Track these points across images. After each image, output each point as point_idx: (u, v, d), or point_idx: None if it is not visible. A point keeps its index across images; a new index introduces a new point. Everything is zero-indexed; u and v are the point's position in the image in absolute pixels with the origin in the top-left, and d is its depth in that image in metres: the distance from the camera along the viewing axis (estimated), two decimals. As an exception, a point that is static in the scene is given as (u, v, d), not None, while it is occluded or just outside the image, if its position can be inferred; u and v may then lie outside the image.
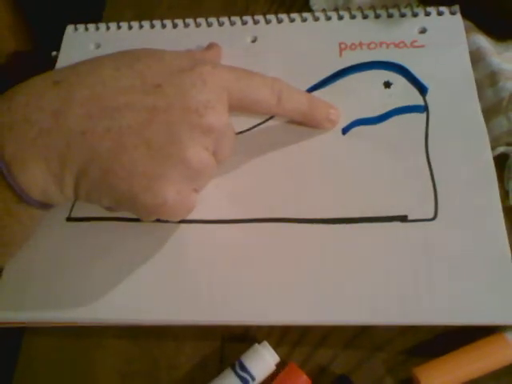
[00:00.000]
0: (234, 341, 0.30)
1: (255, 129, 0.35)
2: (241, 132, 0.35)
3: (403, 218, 0.30)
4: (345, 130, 0.34)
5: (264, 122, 0.35)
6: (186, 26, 0.40)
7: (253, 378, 0.28)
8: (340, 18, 0.38)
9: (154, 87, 0.26)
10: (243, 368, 0.28)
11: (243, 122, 0.35)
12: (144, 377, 0.30)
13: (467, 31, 0.36)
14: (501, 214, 0.30)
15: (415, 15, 0.37)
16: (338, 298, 0.29)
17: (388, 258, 0.30)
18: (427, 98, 0.34)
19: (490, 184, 0.31)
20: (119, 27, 0.41)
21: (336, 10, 0.39)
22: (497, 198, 0.30)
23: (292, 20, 0.39)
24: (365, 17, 0.38)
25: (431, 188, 0.31)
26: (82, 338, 0.32)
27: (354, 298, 0.29)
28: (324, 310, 0.29)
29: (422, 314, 0.28)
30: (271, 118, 0.35)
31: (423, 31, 0.37)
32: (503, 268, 0.29)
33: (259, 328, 0.30)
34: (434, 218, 0.30)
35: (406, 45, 0.36)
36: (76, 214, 0.33)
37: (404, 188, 0.31)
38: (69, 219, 0.33)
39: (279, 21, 0.39)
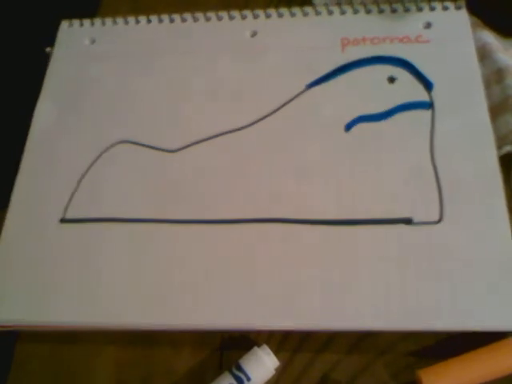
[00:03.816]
0: (234, 347, 0.30)
1: (255, 125, 0.34)
2: (241, 128, 0.34)
3: (408, 221, 0.30)
4: (348, 127, 0.33)
5: (263, 117, 0.34)
6: (184, 21, 0.39)
7: (248, 379, 0.27)
8: (342, 12, 0.37)
9: None
10: (239, 368, 0.27)
11: (243, 119, 0.34)
12: (141, 383, 0.30)
13: (473, 27, 0.36)
14: (506, 217, 0.29)
15: (420, 10, 0.37)
16: (340, 303, 0.28)
17: (392, 262, 0.29)
18: (432, 94, 0.33)
19: (495, 186, 0.30)
20: (115, 22, 0.40)
21: (338, 4, 0.38)
22: (502, 200, 0.30)
23: (293, 14, 0.38)
24: (368, 11, 0.37)
25: (436, 189, 0.30)
26: (78, 344, 0.31)
27: (356, 303, 0.28)
28: (326, 315, 0.28)
29: (425, 320, 0.28)
30: (271, 114, 0.34)
31: (428, 26, 0.36)
32: (509, 271, 0.28)
33: (259, 333, 0.30)
34: (439, 221, 0.30)
35: (410, 40, 0.36)
36: (69, 215, 0.33)
37: (409, 189, 0.31)
38: (62, 221, 0.32)
39: (280, 15, 0.38)
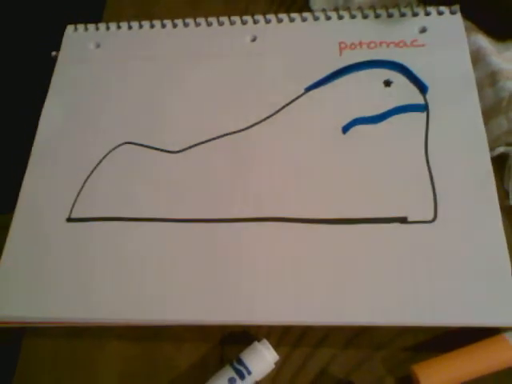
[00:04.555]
0: (234, 342, 0.30)
1: (255, 127, 0.35)
2: (240, 130, 0.35)
3: (403, 220, 0.30)
4: (345, 129, 0.34)
5: (263, 120, 0.35)
6: (186, 25, 0.40)
7: (248, 372, 0.28)
8: (340, 17, 0.38)
9: None
10: (240, 362, 0.28)
11: (243, 121, 0.35)
12: (143, 377, 0.30)
13: (467, 31, 0.36)
14: (499, 216, 0.30)
15: (415, 15, 0.37)
16: (338, 299, 0.29)
17: (387, 260, 0.30)
18: (427, 97, 0.34)
19: (488, 186, 0.31)
20: (119, 27, 0.40)
21: (336, 9, 0.39)
22: (495, 199, 0.30)
23: (292, 20, 0.39)
24: (365, 16, 0.38)
25: (430, 189, 0.31)
26: (82, 339, 0.32)
27: (353, 299, 0.29)
28: (324, 310, 0.29)
29: (421, 315, 0.28)
30: (270, 116, 0.35)
31: (423, 31, 0.37)
32: (502, 269, 0.29)
33: (259, 328, 0.31)
34: (433, 220, 0.30)
35: (406, 44, 0.36)
36: (76, 214, 0.33)
37: (404, 189, 0.31)
38: (69, 220, 0.33)
39: (279, 20, 0.39)
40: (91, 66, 0.39)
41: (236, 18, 0.39)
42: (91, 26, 0.41)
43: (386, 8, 0.38)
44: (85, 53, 0.40)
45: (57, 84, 0.39)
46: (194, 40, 0.39)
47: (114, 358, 0.31)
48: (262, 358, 0.28)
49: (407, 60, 0.35)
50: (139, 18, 0.41)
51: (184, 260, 0.31)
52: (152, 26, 0.40)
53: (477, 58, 0.35)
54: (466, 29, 0.36)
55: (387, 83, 0.35)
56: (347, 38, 0.37)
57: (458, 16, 0.37)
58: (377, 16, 0.38)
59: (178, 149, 0.35)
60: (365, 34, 0.37)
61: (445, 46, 0.36)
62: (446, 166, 0.32)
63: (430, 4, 0.38)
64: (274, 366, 0.29)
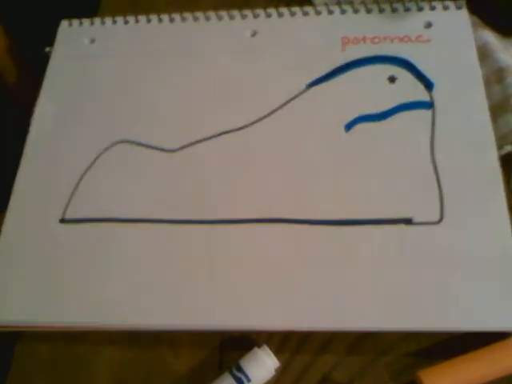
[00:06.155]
0: (234, 347, 0.30)
1: (255, 125, 0.34)
2: (241, 128, 0.34)
3: (408, 221, 0.30)
4: (348, 127, 0.33)
5: (264, 117, 0.34)
6: (184, 20, 0.39)
7: (248, 379, 0.27)
8: (343, 12, 0.37)
9: None
10: (239, 369, 0.28)
11: (243, 118, 0.34)
12: (140, 383, 0.30)
13: (473, 26, 0.36)
14: (507, 216, 0.29)
15: (420, 9, 0.37)
16: (340, 303, 0.28)
17: (391, 262, 0.29)
18: (433, 93, 0.33)
19: (495, 185, 0.30)
20: (115, 22, 0.40)
21: (338, 3, 0.38)
22: (502, 199, 0.30)
23: (293, 14, 0.38)
24: (368, 11, 0.37)
25: (436, 189, 0.30)
26: (78, 344, 0.31)
27: (356, 304, 0.28)
28: (326, 315, 0.28)
29: (426, 319, 0.28)
30: (271, 113, 0.34)
31: (429, 26, 0.36)
32: (510, 271, 0.28)
33: (259, 334, 0.30)
34: (439, 221, 0.30)
35: (410, 39, 0.36)
36: (69, 215, 0.33)
37: (409, 189, 0.31)
38: (62, 221, 0.33)
39: (280, 15, 0.38)
40: (86, 62, 0.38)
41: (235, 13, 0.39)
42: (86, 21, 0.40)
43: (390, 2, 0.37)
44: (79, 48, 0.39)
45: (50, 80, 0.38)
46: (193, 35, 0.38)
47: (111, 363, 0.30)
48: (263, 365, 0.28)
49: (412, 56, 0.35)
50: (135, 12, 0.40)
51: (181, 263, 0.30)
52: (149, 21, 0.39)
53: (484, 53, 0.35)
54: (473, 24, 0.36)
55: (392, 79, 0.34)
56: (350, 32, 0.36)
57: (464, 11, 0.36)
58: (381, 10, 0.37)
59: (175, 147, 0.34)
60: (368, 29, 0.36)
61: (451, 41, 0.35)
62: (453, 165, 0.31)
63: (436, -2, 0.37)
64: (274, 373, 0.28)
